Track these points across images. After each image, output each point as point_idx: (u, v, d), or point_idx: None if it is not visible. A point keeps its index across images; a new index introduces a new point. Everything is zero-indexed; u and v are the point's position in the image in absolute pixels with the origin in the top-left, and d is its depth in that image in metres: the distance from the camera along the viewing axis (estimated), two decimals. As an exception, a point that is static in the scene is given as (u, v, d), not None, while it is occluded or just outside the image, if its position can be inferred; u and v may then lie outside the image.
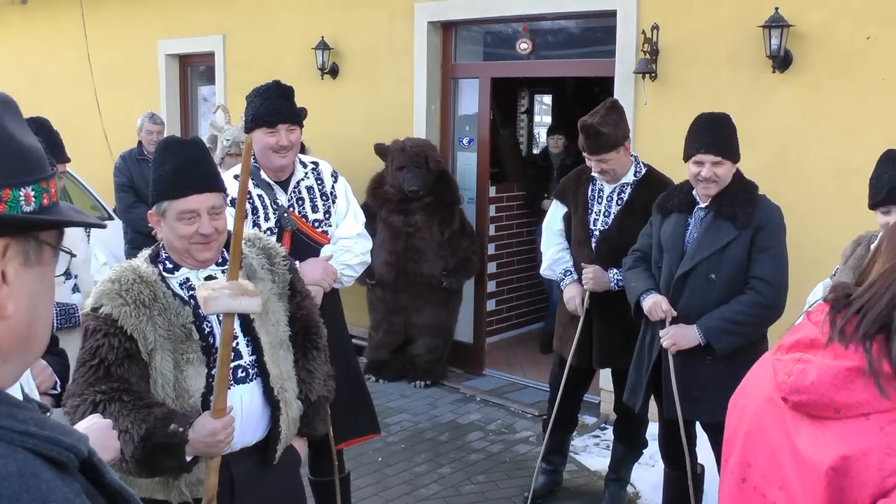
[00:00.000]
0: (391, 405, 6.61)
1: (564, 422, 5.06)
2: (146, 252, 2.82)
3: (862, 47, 5.05)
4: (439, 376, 7.15)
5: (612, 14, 6.05)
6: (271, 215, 3.90)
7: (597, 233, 4.71)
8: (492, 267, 7.76)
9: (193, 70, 9.84)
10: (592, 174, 4.71)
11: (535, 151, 10.60)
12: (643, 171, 4.70)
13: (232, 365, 2.67)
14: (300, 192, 4.01)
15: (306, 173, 4.07)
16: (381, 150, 6.93)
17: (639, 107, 5.84)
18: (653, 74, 5.79)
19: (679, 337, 3.97)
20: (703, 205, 4.02)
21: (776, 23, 5.14)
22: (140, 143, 7.54)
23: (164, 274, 2.73)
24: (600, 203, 4.73)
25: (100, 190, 8.38)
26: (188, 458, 2.58)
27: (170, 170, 2.68)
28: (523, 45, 6.76)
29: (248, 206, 3.82)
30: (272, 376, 2.78)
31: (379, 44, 7.50)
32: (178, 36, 9.43)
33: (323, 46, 7.70)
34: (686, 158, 3.98)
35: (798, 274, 4.37)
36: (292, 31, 8.14)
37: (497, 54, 7.31)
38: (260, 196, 3.91)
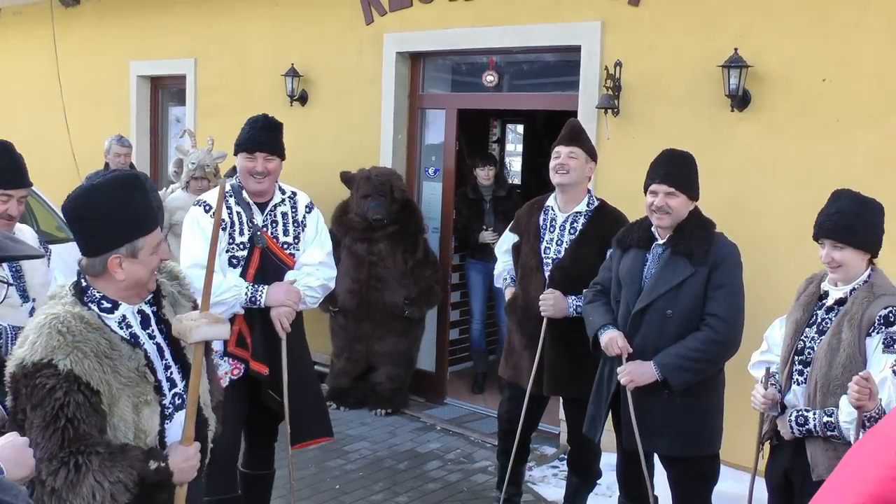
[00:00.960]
0: (351, 433, 6.60)
1: (518, 453, 5.07)
2: (67, 294, 2.66)
3: (818, 89, 5.16)
4: (400, 405, 7.15)
5: (576, 49, 6.15)
6: (245, 231, 4.20)
7: (548, 261, 4.77)
8: (454, 296, 7.79)
9: (165, 91, 9.82)
10: (546, 204, 4.85)
11: (514, 181, 10.64)
12: (595, 203, 4.81)
13: (170, 393, 2.74)
14: (275, 216, 4.31)
15: (283, 199, 4.37)
16: (346, 178, 6.97)
17: (601, 141, 5.91)
18: (615, 110, 5.87)
19: (637, 374, 4.01)
20: (661, 241, 4.09)
21: (735, 63, 5.25)
22: (107, 164, 7.53)
23: (102, 314, 2.64)
24: (552, 231, 4.80)
25: (65, 210, 8.28)
26: None
27: (139, 207, 2.65)
28: (489, 78, 6.85)
29: (226, 218, 4.14)
30: (200, 396, 2.84)
31: (348, 72, 7.56)
32: (150, 57, 9.44)
33: (293, 73, 7.74)
34: (645, 190, 4.08)
35: (756, 309, 4.44)
36: (263, 57, 8.18)
37: (464, 85, 7.38)
38: (238, 213, 4.22)
